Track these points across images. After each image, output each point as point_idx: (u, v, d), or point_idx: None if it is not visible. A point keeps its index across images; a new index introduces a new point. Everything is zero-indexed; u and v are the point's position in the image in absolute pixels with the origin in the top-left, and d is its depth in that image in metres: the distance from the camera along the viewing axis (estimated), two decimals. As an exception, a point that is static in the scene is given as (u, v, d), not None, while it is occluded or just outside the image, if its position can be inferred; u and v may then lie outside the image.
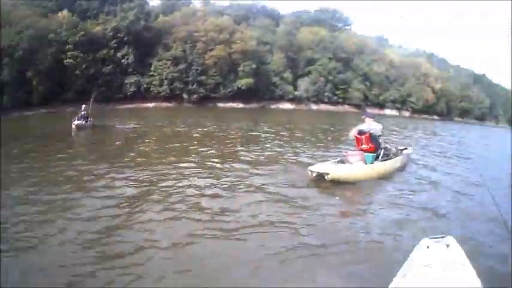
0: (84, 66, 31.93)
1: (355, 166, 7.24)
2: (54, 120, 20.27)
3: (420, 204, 5.83)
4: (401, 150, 8.94)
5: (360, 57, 46.64)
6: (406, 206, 5.73)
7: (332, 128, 20.15)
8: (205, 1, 44.69)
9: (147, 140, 12.24)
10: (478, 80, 68.72)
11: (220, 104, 36.95)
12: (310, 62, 43.73)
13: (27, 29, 29.83)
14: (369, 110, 43.36)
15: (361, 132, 7.68)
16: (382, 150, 7.83)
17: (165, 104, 34.69)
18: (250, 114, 27.74)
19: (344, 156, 7.80)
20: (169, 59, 35.76)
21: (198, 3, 44.21)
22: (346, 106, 44.74)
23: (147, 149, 10.56)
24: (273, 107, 39.45)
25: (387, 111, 47.41)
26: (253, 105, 37.94)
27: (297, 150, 10.88)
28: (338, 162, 7.55)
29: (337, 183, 6.66)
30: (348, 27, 53.28)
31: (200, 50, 36.56)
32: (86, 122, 16.01)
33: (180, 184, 6.43)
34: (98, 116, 17.84)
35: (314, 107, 42.56)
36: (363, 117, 8.24)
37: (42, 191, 5.93)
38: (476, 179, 7.62)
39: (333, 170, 6.86)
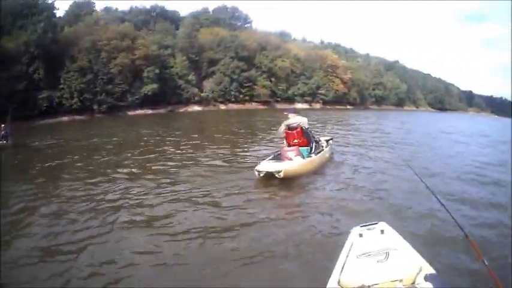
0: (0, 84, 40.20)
1: (296, 161, 9.67)
2: None
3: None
4: (327, 141, 11.79)
5: (263, 54, 62.91)
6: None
7: (245, 128, 28.03)
8: (107, 8, 58.44)
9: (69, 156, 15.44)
10: (391, 67, 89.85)
11: (130, 112, 48.85)
12: (213, 62, 58.57)
13: None
14: (278, 106, 60.00)
15: (291, 128, 10.24)
16: (314, 143, 10.59)
17: (77, 117, 44.75)
18: (160, 119, 38.39)
19: (278, 153, 10.29)
20: (76, 71, 46.64)
21: (99, 12, 57.28)
22: (254, 103, 60.41)
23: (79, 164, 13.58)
24: (181, 110, 52.68)
25: (298, 105, 62.12)
26: (161, 110, 50.67)
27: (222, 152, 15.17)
28: (273, 159, 10.00)
29: (277, 181, 9.18)
30: (248, 25, 70.85)
31: (105, 59, 48.38)
32: (6, 141, 19.05)
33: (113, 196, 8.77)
34: (17, 134, 21.08)
35: (222, 107, 57.44)
36: (285, 113, 11.00)
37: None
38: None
39: (283, 167, 9.20)
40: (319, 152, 10.74)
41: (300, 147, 10.18)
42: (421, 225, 6.44)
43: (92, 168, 12.42)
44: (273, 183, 9.15)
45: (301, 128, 10.34)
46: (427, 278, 3.06)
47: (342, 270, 3.45)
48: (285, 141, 10.77)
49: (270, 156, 10.43)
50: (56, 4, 50.04)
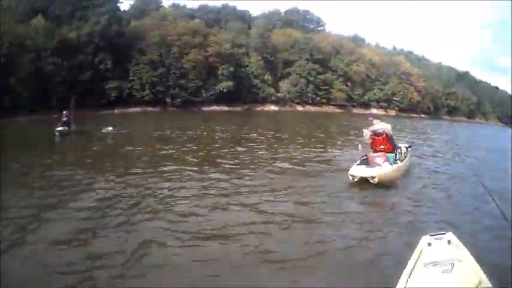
0: (63, 72, 40.62)
1: (387, 167, 9.74)
2: (40, 127, 25.47)
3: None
4: (406, 148, 11.73)
5: (338, 58, 60.41)
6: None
7: (335, 129, 28.88)
8: (174, 5, 57.01)
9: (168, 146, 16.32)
10: (461, 77, 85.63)
11: (205, 108, 47.25)
12: (288, 63, 56.54)
13: (5, 35, 38.06)
14: (355, 110, 56.97)
15: (377, 134, 10.30)
16: (398, 150, 10.70)
17: (150, 109, 44.12)
18: (240, 117, 37.10)
19: (365, 158, 10.28)
20: (146, 64, 45.75)
21: (167, 8, 56.27)
22: (331, 107, 57.77)
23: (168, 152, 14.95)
24: (258, 109, 50.66)
25: (373, 111, 60.32)
26: (237, 108, 48.73)
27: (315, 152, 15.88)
28: (361, 164, 10.05)
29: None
30: (321, 28, 68.13)
31: (176, 54, 47.08)
32: (69, 128, 20.19)
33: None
34: (83, 122, 23.15)
35: (299, 108, 54.89)
36: (370, 119, 11.36)
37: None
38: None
39: (377, 172, 9.30)
40: (403, 159, 10.83)
41: (386, 154, 10.14)
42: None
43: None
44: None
45: (387, 134, 10.37)
46: None
47: (408, 278, 3.45)
48: (370, 147, 10.74)
49: (357, 161, 10.32)
50: None
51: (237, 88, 48.96)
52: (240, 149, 15.70)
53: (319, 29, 67.39)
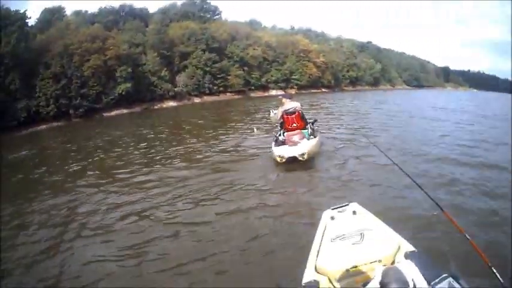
0: None
1: (310, 143, 10.35)
2: None
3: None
4: (312, 123, 11.80)
5: (234, 44, 63.77)
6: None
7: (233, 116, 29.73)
8: (76, 12, 59.18)
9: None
10: (364, 48, 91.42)
11: (105, 114, 49.24)
12: (184, 56, 59.34)
13: None
14: (253, 94, 60.74)
15: (288, 113, 10.76)
16: (309, 126, 11.17)
17: (55, 123, 44.99)
18: (136, 118, 38.48)
19: (283, 138, 10.90)
20: (50, 77, 46.94)
21: (69, 16, 57.92)
22: (228, 94, 61.47)
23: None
24: (156, 107, 53.21)
25: (273, 92, 64.25)
26: (137, 109, 51.19)
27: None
28: (279, 144, 10.59)
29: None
30: (218, 16, 71.19)
31: (77, 63, 48.66)
32: None
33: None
34: None
35: (197, 100, 58.13)
36: (279, 97, 11.75)
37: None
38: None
39: (305, 149, 9.86)
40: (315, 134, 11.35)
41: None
42: (396, 204, 6.77)
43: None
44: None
45: (299, 112, 10.81)
46: (407, 255, 3.02)
47: (317, 256, 3.43)
48: (282, 127, 11.29)
49: (273, 142, 10.93)
50: (28, 13, 50.36)
51: (135, 89, 51.09)
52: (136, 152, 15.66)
53: (215, 17, 70.11)
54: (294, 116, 10.72)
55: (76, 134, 30.00)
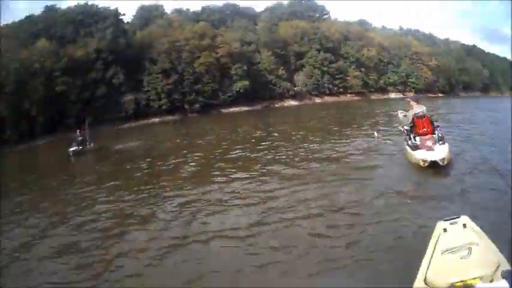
0: (76, 91, 39.78)
1: (444, 148, 9.80)
2: (59, 148, 25.24)
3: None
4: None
5: (348, 44, 58.90)
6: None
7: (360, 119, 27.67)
8: (177, 10, 56.00)
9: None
10: (470, 51, 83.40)
11: (224, 110, 46.17)
12: (299, 55, 55.04)
13: (11, 62, 37.43)
14: (373, 96, 55.49)
15: (419, 116, 10.14)
16: (437, 131, 10.43)
17: (169, 117, 43.26)
18: (264, 116, 36.77)
19: (415, 142, 10.22)
20: (159, 73, 44.74)
21: (170, 14, 55.14)
22: (349, 95, 56.48)
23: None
24: (277, 105, 49.50)
25: (392, 95, 59.53)
26: (257, 107, 47.60)
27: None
28: (414, 148, 10.06)
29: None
30: (326, 16, 66.37)
31: (187, 59, 45.82)
32: (84, 146, 20.63)
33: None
34: (104, 138, 24.22)
35: (318, 100, 53.53)
36: (407, 100, 11.29)
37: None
38: None
39: (444, 154, 9.34)
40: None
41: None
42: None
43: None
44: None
45: (428, 116, 10.28)
46: (503, 274, 2.70)
47: (428, 268, 3.53)
48: (412, 131, 10.48)
49: (406, 146, 10.60)
50: (120, 10, 48.34)
51: (253, 86, 47.87)
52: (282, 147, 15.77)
53: (324, 17, 65.81)
54: (423, 119, 10.17)
55: (192, 127, 31.45)
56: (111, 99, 41.39)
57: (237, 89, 46.78)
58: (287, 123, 27.62)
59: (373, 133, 15.94)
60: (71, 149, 20.08)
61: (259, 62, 50.70)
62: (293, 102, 51.31)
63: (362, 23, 71.47)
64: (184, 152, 16.89)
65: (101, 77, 41.86)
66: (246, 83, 46.88)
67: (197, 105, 45.24)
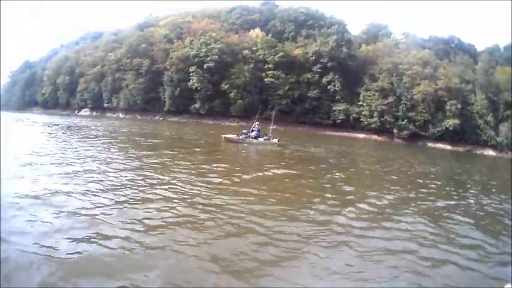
0: (286, 87, 43.88)
1: None
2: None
3: None
4: None
5: None
6: None
7: None
8: (405, 33, 58.05)
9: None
10: None
11: (429, 144, 47.42)
12: (509, 104, 52.58)
13: (215, 42, 42.42)
14: None
15: None
16: None
17: (374, 137, 45.51)
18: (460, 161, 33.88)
19: None
20: (376, 90, 47.31)
21: (398, 35, 57.84)
22: None
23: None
24: (478, 152, 48.81)
25: None
26: (459, 148, 47.82)
27: None
28: None
29: None
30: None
31: (407, 84, 47.72)
32: (259, 137, 21.45)
33: None
34: (305, 139, 26.21)
35: None
36: None
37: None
38: None
39: None
40: None
41: None
42: None
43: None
44: None
45: None
46: None
47: None
48: None
49: None
50: (348, 21, 54.31)
51: (461, 127, 48.08)
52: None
53: None
54: None
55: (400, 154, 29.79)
56: (321, 104, 44.95)
57: (447, 126, 47.26)
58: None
59: None
60: (228, 136, 21.84)
61: (473, 104, 50.49)
62: (492, 153, 49.28)
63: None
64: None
65: (316, 80, 45.52)
66: (457, 121, 47.27)
67: (406, 132, 46.65)
